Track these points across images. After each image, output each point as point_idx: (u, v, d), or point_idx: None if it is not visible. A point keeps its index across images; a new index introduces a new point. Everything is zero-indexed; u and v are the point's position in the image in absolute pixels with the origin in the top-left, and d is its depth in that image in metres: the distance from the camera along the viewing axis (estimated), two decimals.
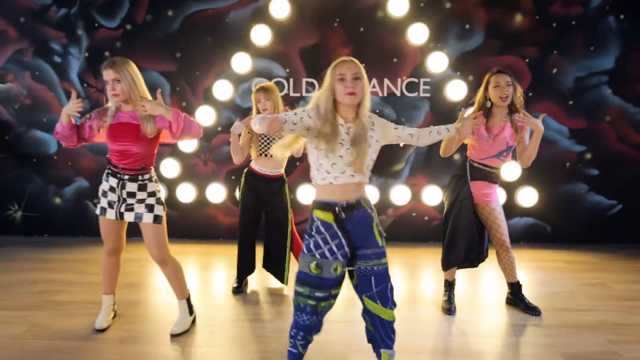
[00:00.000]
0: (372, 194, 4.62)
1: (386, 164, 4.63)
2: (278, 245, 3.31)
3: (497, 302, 3.20)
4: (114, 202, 2.56)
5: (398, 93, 4.54)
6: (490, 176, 2.92)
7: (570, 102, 4.51)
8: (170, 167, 4.65)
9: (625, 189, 4.59)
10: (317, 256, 1.83)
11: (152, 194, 2.59)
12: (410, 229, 4.72)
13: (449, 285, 3.09)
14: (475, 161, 2.92)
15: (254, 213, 3.29)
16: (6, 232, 4.82)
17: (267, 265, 3.42)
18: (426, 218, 4.71)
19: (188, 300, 2.75)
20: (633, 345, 2.57)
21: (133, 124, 2.49)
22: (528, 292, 3.39)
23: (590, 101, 4.50)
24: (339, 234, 1.84)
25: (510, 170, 4.52)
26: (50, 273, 3.72)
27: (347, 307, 3.05)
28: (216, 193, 4.66)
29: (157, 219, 2.57)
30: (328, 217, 1.85)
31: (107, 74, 2.43)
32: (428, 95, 4.54)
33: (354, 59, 1.90)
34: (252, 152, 3.22)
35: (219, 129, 4.62)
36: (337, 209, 1.84)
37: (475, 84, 4.44)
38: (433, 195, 4.61)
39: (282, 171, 3.30)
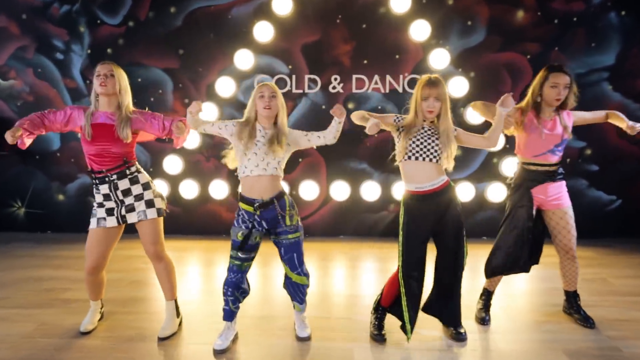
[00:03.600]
0: (373, 189, 4.63)
1: (388, 160, 4.61)
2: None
3: (497, 297, 3.23)
4: (113, 208, 2.52)
5: (400, 89, 4.53)
6: (551, 175, 2.65)
7: None
8: (173, 164, 4.66)
9: (624, 184, 4.62)
10: (243, 228, 2.42)
11: (146, 187, 2.57)
12: None
13: (487, 294, 2.87)
14: (530, 162, 2.67)
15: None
16: (10, 228, 4.83)
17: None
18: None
19: (176, 302, 2.73)
20: (633, 340, 2.60)
21: (110, 124, 2.47)
22: (528, 288, 3.43)
23: (591, 97, 4.49)
24: (256, 218, 2.42)
25: (511, 166, 4.54)
26: (56, 270, 3.74)
27: (351, 304, 3.09)
28: (219, 189, 4.67)
29: (160, 211, 2.58)
30: (249, 209, 2.41)
31: (103, 67, 2.46)
32: None
33: (270, 83, 2.45)
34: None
35: None
36: (255, 205, 2.38)
37: (476, 80, 4.46)
38: None
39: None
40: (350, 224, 4.72)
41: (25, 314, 2.92)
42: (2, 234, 4.79)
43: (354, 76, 4.51)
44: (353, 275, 3.76)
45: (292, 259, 2.49)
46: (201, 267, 3.97)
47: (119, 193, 2.50)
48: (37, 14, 4.51)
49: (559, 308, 3.04)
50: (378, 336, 2.59)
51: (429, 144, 2.40)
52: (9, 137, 2.32)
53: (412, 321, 2.47)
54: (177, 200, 4.68)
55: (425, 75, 2.42)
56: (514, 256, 2.68)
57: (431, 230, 2.49)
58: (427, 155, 2.39)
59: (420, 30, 4.39)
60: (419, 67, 4.48)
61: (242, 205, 2.44)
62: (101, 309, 2.81)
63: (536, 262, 2.82)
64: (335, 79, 4.51)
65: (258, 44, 4.45)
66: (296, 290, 2.57)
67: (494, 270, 2.75)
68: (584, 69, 4.47)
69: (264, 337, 2.65)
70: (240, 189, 2.47)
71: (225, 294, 2.49)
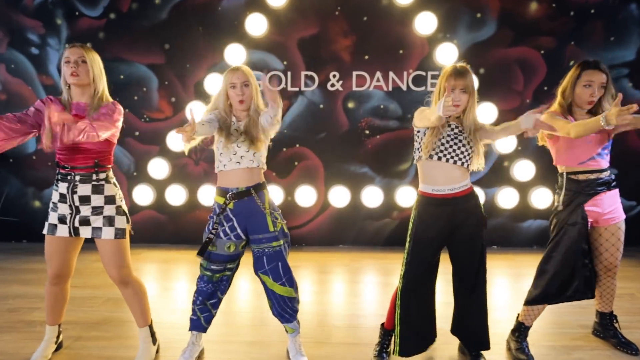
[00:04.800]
0: (375, 195, 4.40)
1: (391, 163, 4.40)
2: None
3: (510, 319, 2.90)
4: (66, 215, 2.19)
5: (404, 87, 4.32)
6: (606, 183, 2.32)
7: None
8: (158, 168, 4.41)
9: None
10: (212, 235, 2.18)
11: (110, 200, 2.21)
12: None
13: (522, 330, 2.44)
14: (577, 170, 2.31)
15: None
16: None
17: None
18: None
19: (150, 328, 2.40)
20: None
21: (82, 116, 2.16)
22: (552, 306, 3.10)
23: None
24: (231, 217, 2.18)
25: (524, 171, 4.31)
26: (25, 286, 3.39)
27: (352, 326, 2.77)
28: (209, 195, 4.40)
29: (118, 233, 2.19)
30: (221, 200, 2.20)
31: (72, 52, 2.15)
32: None
33: (242, 67, 2.21)
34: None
35: None
36: (228, 195, 2.17)
37: (486, 77, 4.24)
38: None
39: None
40: (350, 233, 4.51)
41: None
42: None
43: (354, 73, 4.32)
44: (354, 291, 3.47)
45: (277, 268, 2.22)
46: (189, 282, 3.63)
47: (75, 198, 2.17)
48: (9, 5, 4.26)
49: (589, 330, 2.72)
50: (377, 358, 2.33)
51: (456, 143, 2.16)
52: None
53: (405, 339, 2.20)
54: (163, 207, 4.43)
55: (451, 65, 2.19)
56: (563, 282, 2.32)
57: (445, 240, 2.21)
58: (453, 157, 2.15)
59: (426, 23, 4.19)
60: (424, 63, 4.27)
61: (215, 198, 2.25)
62: (58, 336, 2.43)
63: (592, 293, 2.45)
64: (334, 76, 4.31)
65: (250, 38, 4.25)
66: (283, 307, 2.27)
67: (537, 298, 2.38)
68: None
69: None
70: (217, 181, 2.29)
71: (194, 302, 2.30)
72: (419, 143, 2.20)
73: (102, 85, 2.23)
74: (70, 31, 4.27)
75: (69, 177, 2.17)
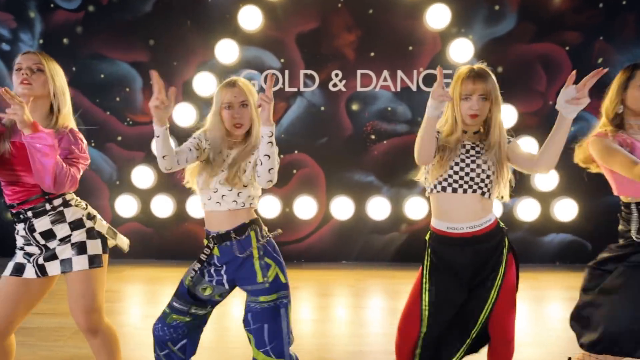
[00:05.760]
0: (382, 206, 4.26)
1: (399, 173, 4.23)
2: None
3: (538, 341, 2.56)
4: (34, 255, 1.90)
5: (414, 87, 4.18)
6: None
7: None
8: (143, 176, 4.24)
9: None
10: (193, 273, 1.89)
11: (77, 225, 1.91)
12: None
13: None
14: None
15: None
16: None
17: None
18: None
19: None
20: None
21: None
22: (571, 332, 2.76)
23: None
24: (218, 265, 1.90)
25: (546, 180, 4.10)
26: None
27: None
28: (198, 206, 4.09)
29: (94, 261, 1.90)
30: (205, 242, 1.93)
31: (25, 59, 1.87)
32: (449, 89, 4.03)
33: (239, 82, 1.88)
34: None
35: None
36: (210, 237, 1.89)
37: (505, 76, 4.00)
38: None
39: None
40: (354, 248, 4.35)
41: None
42: None
43: (359, 72, 4.18)
44: (359, 320, 3.23)
45: (261, 331, 1.83)
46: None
47: (37, 236, 1.87)
48: None
49: None
50: None
51: (475, 169, 1.81)
52: None
53: None
54: (149, 219, 4.25)
55: (467, 66, 1.91)
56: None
57: (468, 286, 1.85)
58: (471, 186, 1.81)
59: (438, 16, 4.00)
60: (436, 60, 4.07)
61: (205, 241, 1.93)
62: None
63: None
64: (337, 75, 4.15)
65: (244, 33, 4.08)
66: None
67: (614, 349, 1.93)
68: (634, 62, 3.96)
69: None
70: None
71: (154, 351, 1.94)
72: (427, 171, 1.85)
73: (66, 106, 1.91)
74: (45, 25, 4.11)
75: (21, 216, 1.88)
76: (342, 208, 4.21)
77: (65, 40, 4.10)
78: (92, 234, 1.91)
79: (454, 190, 1.79)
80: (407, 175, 4.10)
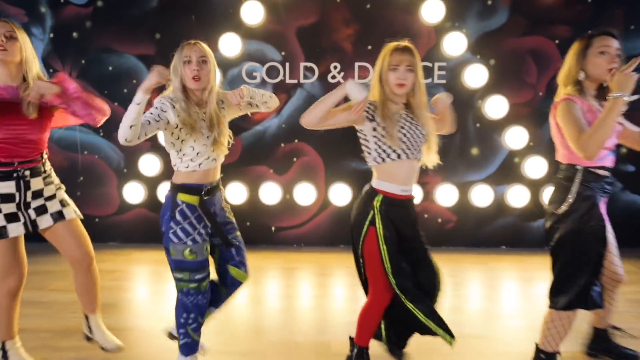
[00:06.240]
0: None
1: None
2: None
3: (520, 326, 2.73)
4: (15, 213, 2.07)
5: None
6: (611, 184, 2.07)
7: None
8: (149, 165, 4.31)
9: None
10: (189, 243, 1.97)
11: (59, 187, 2.23)
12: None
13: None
14: (595, 166, 2.02)
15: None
16: None
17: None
18: (440, 220, 4.34)
19: None
20: None
21: (16, 103, 2.04)
22: None
23: None
24: (202, 216, 2.01)
25: (536, 166, 4.19)
26: None
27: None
28: None
29: (77, 212, 2.24)
30: (193, 199, 1.98)
31: (0, 26, 2.02)
32: (443, 81, 4.19)
33: (199, 43, 2.00)
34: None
35: None
36: (203, 191, 1.99)
37: (497, 68, 4.11)
38: (447, 195, 4.27)
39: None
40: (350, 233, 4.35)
41: None
42: None
43: (357, 64, 4.21)
44: (356, 296, 3.30)
45: (244, 256, 2.18)
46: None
47: (28, 194, 2.09)
48: None
49: None
50: None
51: (415, 137, 2.00)
52: None
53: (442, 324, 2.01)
54: (155, 205, 4.29)
55: (391, 42, 2.03)
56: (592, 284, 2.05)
57: (407, 241, 2.05)
58: (413, 152, 2.00)
59: (433, 11, 4.05)
60: (431, 53, 4.13)
61: (182, 197, 1.98)
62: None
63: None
64: (335, 68, 4.20)
65: (246, 27, 4.13)
66: (230, 293, 2.20)
67: (575, 303, 2.07)
68: (622, 55, 4.01)
69: None
70: (174, 179, 2.04)
71: (184, 325, 2.04)
72: (376, 143, 1.98)
73: (36, 68, 2.10)
74: (55, 20, 4.16)
75: (15, 174, 2.05)
76: (340, 195, 4.27)
77: (74, 34, 4.16)
78: (66, 195, 2.23)
79: (406, 157, 1.96)
80: (371, 163, 4.33)
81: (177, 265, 2.00)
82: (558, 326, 2.06)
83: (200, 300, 2.02)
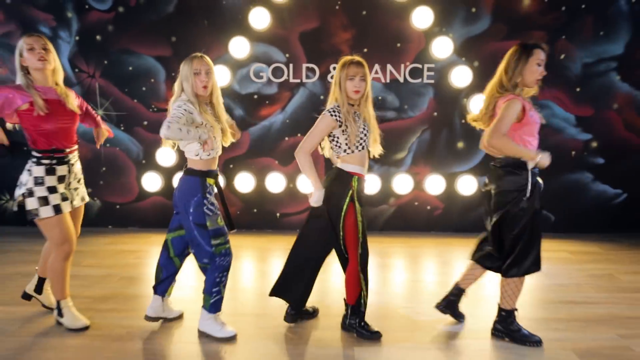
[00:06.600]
0: (373, 182, 4.56)
1: (388, 152, 4.41)
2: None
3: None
4: (64, 193, 2.48)
5: (401, 79, 4.43)
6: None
7: (578, 89, 4.41)
8: (166, 156, 4.55)
9: (630, 177, 4.53)
10: (218, 212, 2.43)
11: (81, 170, 2.68)
12: (412, 219, 4.65)
13: (513, 314, 2.49)
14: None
15: None
16: None
17: None
18: (429, 207, 4.63)
19: None
20: None
21: (61, 100, 2.45)
22: (533, 284, 3.32)
23: (598, 88, 4.40)
24: (213, 195, 2.45)
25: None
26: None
27: None
28: None
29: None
30: (212, 182, 2.43)
31: (36, 41, 2.38)
32: (432, 81, 4.43)
33: (205, 57, 2.36)
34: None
35: None
36: (217, 175, 2.46)
37: (480, 69, 4.35)
38: (436, 184, 4.54)
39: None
40: None
41: (9, 311, 2.79)
42: None
43: None
44: None
45: None
46: (191, 263, 3.84)
47: (72, 176, 2.53)
48: (24, 0, 4.35)
49: (567, 305, 2.96)
50: (375, 334, 2.51)
51: (366, 132, 2.45)
52: None
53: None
54: (171, 193, 4.35)
55: (347, 56, 2.43)
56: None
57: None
58: (364, 146, 2.45)
59: (422, 17, 4.27)
60: (421, 56, 4.38)
61: (210, 181, 2.41)
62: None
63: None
64: (334, 68, 4.41)
65: (254, 31, 4.34)
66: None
67: (528, 270, 2.44)
68: (592, 58, 4.37)
69: (259, 336, 2.54)
70: (198, 166, 2.40)
71: (219, 283, 2.44)
72: (343, 141, 2.41)
73: (62, 75, 2.52)
74: (81, 24, 4.36)
75: (65, 160, 2.47)
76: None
77: (98, 37, 4.35)
78: None
79: (364, 148, 2.43)
80: (395, 156, 4.57)
81: (215, 233, 2.38)
82: (513, 288, 2.45)
83: (230, 259, 2.45)
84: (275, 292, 2.64)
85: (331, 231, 2.45)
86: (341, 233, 2.45)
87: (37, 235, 4.37)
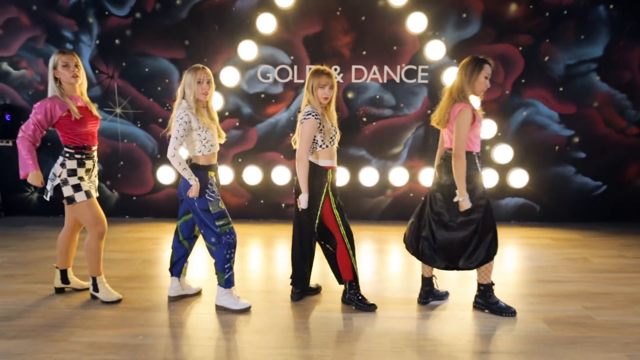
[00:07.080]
0: (371, 175, 4.83)
1: (385, 147, 4.81)
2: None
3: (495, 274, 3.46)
4: (90, 184, 2.87)
5: (397, 80, 4.68)
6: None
7: (561, 89, 4.70)
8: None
9: (609, 170, 4.82)
10: (219, 197, 2.74)
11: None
12: (407, 209, 4.86)
13: (491, 288, 2.82)
14: (478, 152, 2.72)
15: None
16: (23, 212, 5.03)
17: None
18: (423, 198, 4.85)
19: None
20: (605, 310, 2.86)
21: (86, 107, 2.83)
22: (515, 267, 3.67)
23: (580, 87, 4.68)
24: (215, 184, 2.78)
25: (503, 153, 4.76)
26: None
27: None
28: (224, 175, 4.84)
29: None
30: (212, 174, 2.75)
31: (70, 59, 2.74)
32: (426, 81, 4.70)
33: (206, 68, 2.74)
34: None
35: (227, 113, 4.80)
36: (217, 168, 2.80)
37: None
38: (430, 177, 4.78)
39: None
40: (349, 209, 4.72)
41: (49, 288, 3.15)
42: (16, 218, 5.00)
43: (354, 67, 4.63)
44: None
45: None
46: (203, 251, 4.17)
47: (94, 170, 2.92)
48: (47, 5, 4.64)
49: (542, 283, 3.29)
50: (371, 306, 2.86)
51: (334, 132, 2.80)
52: (38, 183, 2.69)
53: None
54: None
55: (317, 66, 2.76)
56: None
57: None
58: (335, 139, 2.82)
59: (417, 22, 4.51)
60: (415, 58, 4.64)
61: (210, 173, 2.75)
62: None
63: None
64: (335, 70, 4.62)
65: (261, 35, 4.56)
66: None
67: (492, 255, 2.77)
68: (574, 60, 4.64)
69: (269, 308, 2.89)
70: (201, 162, 2.72)
71: (229, 260, 2.74)
72: (320, 138, 2.74)
73: (86, 84, 2.91)
74: (101, 29, 4.64)
75: (91, 155, 2.86)
76: (340, 176, 4.68)
77: (117, 41, 4.62)
78: None
79: (334, 143, 2.79)
80: (391, 150, 4.84)
81: (218, 216, 2.72)
82: (487, 265, 2.78)
83: (235, 237, 2.76)
84: (294, 282, 3.00)
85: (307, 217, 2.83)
86: (317, 221, 2.81)
87: (59, 224, 4.73)
